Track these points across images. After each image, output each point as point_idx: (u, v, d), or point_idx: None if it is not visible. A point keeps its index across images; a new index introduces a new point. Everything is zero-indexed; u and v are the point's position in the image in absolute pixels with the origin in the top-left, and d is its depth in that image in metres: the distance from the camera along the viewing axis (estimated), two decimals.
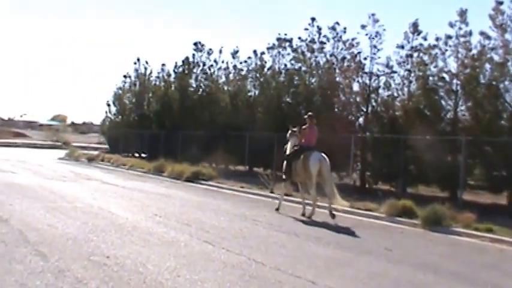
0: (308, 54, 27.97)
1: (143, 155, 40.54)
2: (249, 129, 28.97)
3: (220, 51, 36.27)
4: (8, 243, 9.16)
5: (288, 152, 16.91)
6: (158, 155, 31.63)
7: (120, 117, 46.68)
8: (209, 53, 37.03)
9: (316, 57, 27.67)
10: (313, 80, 27.94)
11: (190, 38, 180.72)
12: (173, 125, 36.19)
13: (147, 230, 11.34)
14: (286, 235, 12.05)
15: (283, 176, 17.27)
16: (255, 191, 20.75)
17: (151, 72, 44.43)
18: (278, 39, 30.12)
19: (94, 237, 10.10)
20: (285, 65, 29.90)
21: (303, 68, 28.40)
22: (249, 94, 32.75)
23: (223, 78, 35.80)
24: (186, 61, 38.19)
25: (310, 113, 17.24)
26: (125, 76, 45.90)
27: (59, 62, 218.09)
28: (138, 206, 15.49)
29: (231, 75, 34.86)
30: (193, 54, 37.65)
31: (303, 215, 15.88)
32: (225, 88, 35.08)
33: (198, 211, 15.33)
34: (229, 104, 32.83)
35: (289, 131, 17.25)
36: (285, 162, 16.90)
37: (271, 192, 19.94)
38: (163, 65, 42.15)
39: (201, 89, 37.25)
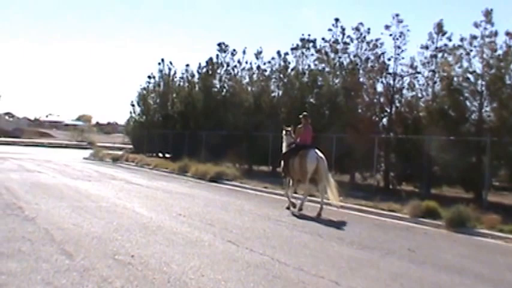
0: (332, 55, 27.92)
1: (167, 155, 40.63)
2: (272, 129, 28.92)
3: (244, 52, 36.37)
4: (34, 241, 9.23)
5: (284, 150, 17.65)
6: (182, 155, 31.67)
7: (144, 117, 46.77)
8: (233, 54, 37.10)
9: (339, 57, 27.60)
10: (336, 81, 27.88)
11: (213, 39, 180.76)
12: (197, 125, 36.30)
13: (171, 230, 11.38)
14: (309, 235, 12.03)
15: (282, 174, 18.01)
16: (278, 192, 20.69)
17: (175, 73, 44.59)
18: (302, 39, 30.10)
19: (119, 237, 10.15)
20: (309, 66, 29.88)
21: (327, 69, 28.35)
22: (273, 95, 32.71)
23: (247, 79, 35.80)
24: (209, 62, 38.27)
25: (305, 113, 17.77)
26: (149, 77, 46.08)
27: (84, 62, 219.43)
28: (162, 205, 15.53)
29: (254, 76, 34.81)
30: (217, 55, 37.78)
31: (287, 208, 16.70)
32: (249, 89, 35.05)
33: (221, 211, 15.35)
34: (252, 105, 32.80)
35: (284, 131, 17.94)
36: (282, 160, 17.63)
37: (295, 192, 19.86)
38: (187, 65, 42.39)
39: (224, 90, 37.34)
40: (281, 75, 31.96)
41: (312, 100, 29.18)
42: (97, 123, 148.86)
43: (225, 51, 37.39)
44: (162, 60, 45.14)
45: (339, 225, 14.15)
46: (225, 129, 32.66)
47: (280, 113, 30.31)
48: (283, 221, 14.00)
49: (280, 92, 31.97)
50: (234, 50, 37.10)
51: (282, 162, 17.64)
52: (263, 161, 31.20)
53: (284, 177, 17.95)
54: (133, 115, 48.08)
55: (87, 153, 42.56)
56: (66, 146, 64.54)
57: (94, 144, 58.90)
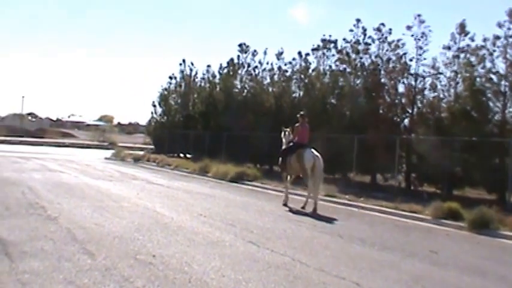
0: (353, 56, 27.80)
1: (188, 155, 40.68)
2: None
3: (265, 53, 36.41)
4: (56, 241, 9.28)
5: (283, 148, 18.44)
6: (203, 156, 31.71)
7: (165, 117, 46.86)
8: (254, 54, 37.15)
9: (361, 58, 27.49)
10: (358, 82, 27.77)
11: (234, 40, 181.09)
12: (218, 126, 36.29)
13: (192, 230, 11.39)
14: (330, 236, 11.99)
15: (280, 170, 19.30)
16: (298, 192, 20.61)
17: (196, 74, 44.68)
18: (323, 40, 30.03)
19: (140, 236, 10.18)
20: (330, 66, 29.79)
21: (348, 70, 28.23)
22: (294, 95, 32.67)
23: (268, 80, 35.76)
24: (230, 62, 38.32)
25: (302, 112, 18.36)
26: (170, 77, 46.14)
27: (106, 63, 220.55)
28: (183, 205, 15.55)
29: (275, 77, 34.79)
30: (238, 56, 37.82)
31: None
32: (270, 89, 35.03)
33: (242, 211, 15.34)
34: (273, 105, 32.79)
35: (282, 132, 18.94)
36: (280, 157, 18.41)
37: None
38: (208, 66, 42.48)
39: (245, 90, 37.35)
40: (302, 76, 31.93)
41: (333, 101, 29.11)
42: (118, 123, 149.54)
43: (246, 52, 37.43)
44: (184, 60, 45.32)
45: (359, 226, 14.11)
46: (246, 129, 32.62)
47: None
48: (304, 222, 13.98)
49: (301, 93, 31.90)
50: (255, 51, 37.22)
51: (280, 159, 18.39)
52: None
53: (281, 172, 19.13)
54: (154, 115, 48.22)
55: (108, 153, 42.74)
56: (88, 146, 64.83)
57: (115, 145, 59.16)
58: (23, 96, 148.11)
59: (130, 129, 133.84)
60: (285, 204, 17.50)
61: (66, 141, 73.80)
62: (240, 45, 37.59)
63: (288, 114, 30.54)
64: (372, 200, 18.21)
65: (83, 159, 36.86)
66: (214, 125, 37.24)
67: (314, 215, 15.63)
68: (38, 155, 37.32)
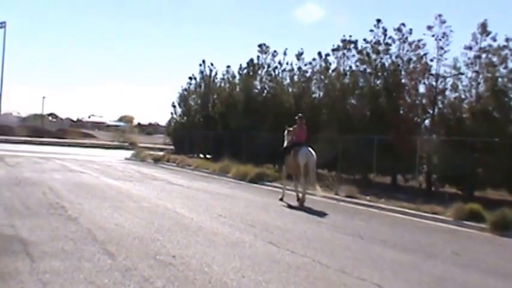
0: (373, 56, 27.67)
1: (208, 155, 40.72)
2: (313, 131, 28.81)
3: (285, 53, 36.33)
4: (77, 241, 9.33)
5: (284, 146, 19.62)
6: (223, 156, 31.68)
7: (185, 118, 46.95)
8: (274, 55, 37.11)
9: (381, 58, 27.35)
10: (378, 82, 27.64)
11: (254, 41, 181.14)
12: (238, 126, 36.25)
13: (212, 231, 11.39)
14: (350, 237, 11.95)
15: (279, 166, 20.95)
16: (318, 193, 20.63)
17: (216, 74, 44.66)
18: (343, 40, 29.90)
19: (160, 237, 10.20)
20: (350, 67, 29.63)
21: (368, 70, 28.10)
22: (314, 96, 32.59)
23: (288, 80, 35.71)
24: (250, 63, 38.31)
25: (300, 115, 19.89)
26: (190, 78, 46.23)
27: (126, 63, 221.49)
28: (203, 206, 15.57)
29: (295, 77, 34.73)
30: (258, 56, 37.82)
31: (298, 200, 18.20)
32: (290, 90, 34.96)
33: (262, 212, 15.35)
34: (293, 106, 32.64)
35: (286, 131, 19.84)
36: (282, 155, 19.74)
37: (336, 194, 19.81)
38: (228, 66, 42.41)
39: (265, 91, 37.32)
40: (322, 76, 31.84)
41: (353, 101, 29.00)
42: (138, 124, 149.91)
43: (265, 53, 37.43)
44: (203, 61, 45.35)
45: (380, 227, 14.05)
46: (266, 130, 32.55)
47: (321, 114, 30.17)
48: (324, 223, 13.96)
49: (321, 93, 31.81)
50: (275, 51, 37.17)
51: (281, 157, 19.77)
52: None
53: (280, 170, 20.88)
54: (174, 116, 48.35)
55: (128, 153, 42.90)
56: (108, 147, 65.06)
57: (135, 145, 59.34)
58: (43, 97, 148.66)
59: (150, 129, 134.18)
60: (281, 199, 18.51)
61: (87, 141, 74.23)
62: (259, 46, 37.65)
63: (308, 114, 30.48)
64: (392, 201, 18.12)
65: (103, 160, 37.04)
66: (234, 126, 37.18)
67: (301, 206, 17.36)
68: (58, 156, 37.53)
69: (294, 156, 18.46)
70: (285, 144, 19.57)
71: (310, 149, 18.36)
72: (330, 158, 26.79)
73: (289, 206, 17.24)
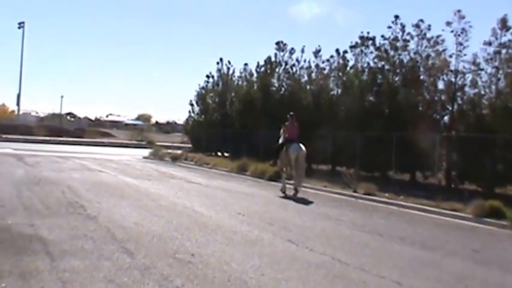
0: (391, 53, 27.57)
1: (226, 154, 40.78)
2: (331, 128, 28.79)
3: (303, 51, 36.10)
4: (96, 240, 9.38)
5: (279, 143, 21.21)
6: (241, 154, 31.73)
7: (203, 116, 47.03)
8: (291, 53, 37.00)
9: (399, 55, 27.22)
10: (396, 79, 27.53)
11: (271, 39, 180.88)
12: (255, 124, 36.22)
13: (230, 229, 11.42)
14: (369, 235, 11.93)
15: (274, 162, 22.55)
16: (337, 191, 20.62)
17: (233, 72, 44.67)
18: (361, 37, 29.80)
19: (179, 235, 10.24)
20: (368, 64, 29.48)
21: (386, 67, 27.99)
22: (332, 93, 32.49)
23: (306, 78, 35.59)
24: (268, 61, 38.22)
25: (291, 113, 21.21)
26: (207, 76, 46.27)
27: (143, 62, 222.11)
28: (221, 204, 15.61)
29: (313, 75, 34.63)
30: (276, 54, 37.70)
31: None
32: (307, 87, 34.89)
33: (280, 210, 15.36)
34: (311, 103, 32.60)
35: (282, 127, 21.29)
36: (276, 150, 21.39)
37: (355, 191, 19.79)
38: (245, 64, 42.31)
39: (283, 88, 37.22)
40: (340, 74, 31.75)
41: (371, 98, 28.91)
42: (156, 122, 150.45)
43: (283, 50, 37.35)
44: (221, 59, 45.37)
45: (399, 224, 14.02)
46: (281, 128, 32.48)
47: (339, 111, 30.11)
48: (343, 220, 13.93)
49: (339, 91, 31.71)
50: (293, 49, 37.02)
51: (276, 153, 21.38)
52: (322, 160, 31.09)
53: (275, 164, 22.65)
54: (192, 114, 48.41)
55: (146, 152, 42.95)
56: (126, 146, 65.21)
57: (153, 144, 59.44)
58: (62, 96, 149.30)
59: (168, 128, 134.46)
60: (284, 192, 19.93)
61: (105, 140, 74.42)
62: (277, 44, 37.52)
63: (326, 112, 30.44)
64: (411, 198, 18.06)
65: (122, 159, 37.13)
66: (252, 124, 37.15)
67: (295, 197, 18.83)
68: (77, 155, 37.69)
69: (286, 151, 20.25)
70: (280, 141, 21.11)
71: (300, 145, 20.00)
72: (348, 155, 26.80)
73: (304, 202, 17.24)
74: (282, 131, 21.24)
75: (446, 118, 25.29)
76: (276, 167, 22.89)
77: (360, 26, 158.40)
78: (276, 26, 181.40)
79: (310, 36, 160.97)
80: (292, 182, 20.09)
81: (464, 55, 23.83)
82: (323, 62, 33.41)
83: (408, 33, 26.75)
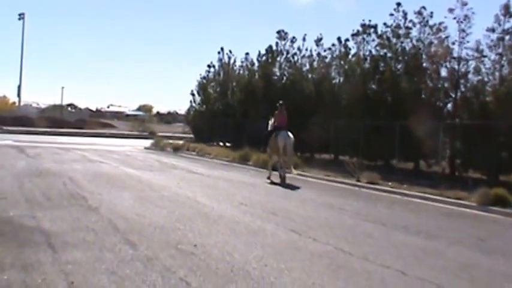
0: (394, 40, 27.52)
1: (227, 144, 40.75)
2: (334, 117, 28.77)
3: (304, 39, 36.03)
4: (98, 231, 9.38)
5: (267, 130, 22.15)
6: (243, 144, 31.71)
7: (204, 106, 46.95)
8: (292, 41, 36.89)
9: (402, 42, 27.20)
10: (399, 66, 27.51)
11: (272, 28, 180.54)
12: (257, 114, 36.15)
13: (233, 219, 11.41)
14: (373, 224, 11.92)
15: (264, 149, 23.58)
16: (340, 180, 20.61)
17: (235, 62, 44.55)
18: (362, 25, 29.73)
19: (181, 226, 10.23)
20: (370, 52, 29.45)
21: (389, 54, 27.96)
22: (334, 81, 32.47)
23: (307, 66, 35.53)
24: (269, 49, 38.14)
25: (280, 102, 22.13)
26: (208, 66, 46.21)
27: (144, 52, 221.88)
28: (223, 195, 15.60)
29: (315, 63, 34.59)
30: (277, 43, 37.58)
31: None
32: (309, 76, 34.86)
33: (283, 200, 15.35)
34: (313, 92, 32.57)
35: (272, 116, 22.19)
36: (265, 138, 22.28)
37: (358, 180, 19.79)
38: (246, 53, 42.21)
39: (284, 77, 37.19)
40: (342, 62, 31.70)
41: (373, 86, 28.88)
42: (157, 113, 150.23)
43: (284, 39, 37.24)
44: (222, 48, 45.27)
45: (403, 213, 14.02)
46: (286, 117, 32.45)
47: (341, 100, 30.08)
48: (346, 210, 13.92)
49: (341, 79, 31.69)
50: (294, 38, 36.91)
51: (265, 140, 22.22)
52: (324, 149, 31.12)
53: (264, 151, 23.52)
54: (193, 104, 48.29)
55: (148, 143, 42.93)
56: (128, 136, 65.15)
57: (155, 134, 59.48)
58: (62, 87, 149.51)
59: (169, 118, 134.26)
60: (269, 178, 20.97)
61: (106, 131, 74.33)
62: (278, 32, 37.41)
63: (328, 100, 30.39)
64: (415, 187, 18.04)
65: (123, 150, 37.08)
66: (254, 113, 37.09)
67: (283, 183, 19.61)
68: (78, 146, 37.64)
69: (274, 139, 21.02)
70: (269, 128, 22.10)
71: (289, 133, 20.88)
72: (351, 144, 26.79)
73: (306, 191, 17.24)
74: (271, 119, 22.18)
75: (449, 106, 25.32)
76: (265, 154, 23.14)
77: (361, 13, 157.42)
78: (277, 15, 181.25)
79: (311, 24, 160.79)
80: (279, 168, 20.97)
81: (467, 42, 23.85)
82: (325, 51, 33.43)
83: (410, 21, 26.76)
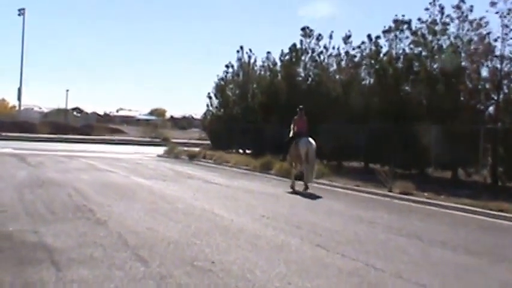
0: (429, 37, 27.40)
1: (248, 151, 40.74)
2: (363, 121, 28.69)
3: (331, 37, 35.85)
4: (106, 247, 9.41)
5: (288, 137, 22.26)
6: (264, 151, 31.66)
7: (222, 110, 46.92)
8: (318, 39, 36.76)
9: (438, 40, 27.03)
10: (435, 66, 27.37)
11: (296, 24, 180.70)
12: (280, 118, 36.11)
13: (254, 233, 11.41)
14: (407, 239, 11.87)
15: (284, 157, 24.08)
16: (371, 190, 20.55)
17: (255, 61, 44.48)
18: (395, 21, 29.62)
19: (197, 241, 10.24)
20: (403, 50, 29.33)
21: (424, 53, 27.84)
22: (363, 83, 32.39)
23: (335, 66, 35.42)
24: (293, 48, 38.04)
25: (300, 107, 22.23)
26: (227, 66, 46.11)
27: (156, 52, 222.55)
28: (243, 206, 15.62)
29: (342, 63, 34.47)
30: (301, 41, 37.46)
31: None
32: (337, 77, 34.75)
33: (309, 212, 15.34)
34: (341, 94, 32.49)
35: (293, 121, 22.23)
36: (286, 145, 22.39)
37: (390, 191, 19.72)
38: (268, 53, 41.98)
39: (310, 78, 37.09)
40: (372, 61, 31.59)
41: (407, 88, 28.78)
42: (171, 117, 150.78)
43: (309, 36, 37.14)
44: (241, 47, 45.15)
45: (440, 227, 13.94)
46: (311, 121, 32.35)
47: (372, 102, 29.99)
48: (378, 223, 13.87)
49: (372, 80, 31.60)
50: (320, 35, 36.75)
51: (286, 147, 22.39)
52: (353, 156, 31.04)
53: (284, 160, 24.13)
54: (210, 108, 48.30)
55: (161, 150, 43.08)
56: (139, 143, 65.38)
57: (168, 141, 59.62)
58: (67, 90, 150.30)
59: (184, 123, 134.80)
60: (292, 188, 20.99)
61: (115, 137, 74.67)
62: (303, 29, 37.32)
63: (357, 103, 30.29)
64: (453, 198, 17.94)
65: (133, 157, 37.28)
66: (276, 117, 37.05)
67: (305, 192, 20.17)
68: (84, 154, 37.83)
69: (295, 146, 21.34)
70: (290, 135, 22.08)
71: (310, 139, 21.14)
72: (382, 150, 26.68)
73: (334, 203, 17.20)
74: (292, 125, 22.14)
75: (491, 109, 25.10)
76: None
77: (394, 8, 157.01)
78: (301, 10, 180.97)
79: (338, 20, 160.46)
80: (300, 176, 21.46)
81: (511, 39, 23.64)
82: (353, 49, 33.25)
83: (448, 16, 26.57)
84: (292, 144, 21.61)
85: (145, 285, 7.26)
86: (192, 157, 37.82)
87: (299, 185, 20.80)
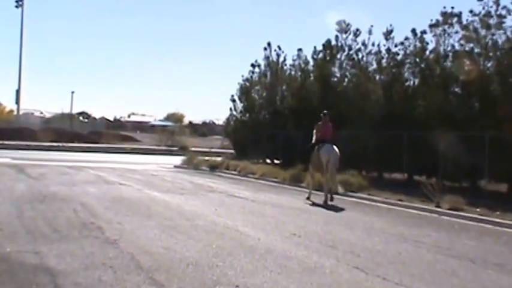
0: (482, 32, 27.27)
1: (276, 161, 40.75)
2: (407, 128, 28.58)
3: (370, 32, 35.78)
4: (117, 269, 9.44)
5: (310, 144, 23.17)
6: (295, 161, 31.61)
7: (247, 115, 46.87)
8: (356, 35, 36.70)
9: (493, 35, 26.91)
10: (489, 65, 27.24)
11: (330, 18, 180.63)
12: (312, 124, 36.06)
13: (283, 254, 11.42)
14: (457, 260, 11.82)
15: (306, 167, 25.01)
16: (416, 205, 20.51)
17: (285, 60, 44.38)
18: (443, 13, 29.52)
19: (219, 262, 10.27)
20: (453, 46, 29.24)
21: (476, 50, 27.72)
22: (407, 84, 32.27)
23: (374, 65, 35.32)
24: (327, 45, 37.99)
25: (325, 111, 23.23)
26: (253, 65, 46.02)
27: (174, 51, 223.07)
28: (271, 223, 15.64)
29: (383, 61, 34.40)
30: (336, 36, 37.45)
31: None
32: (377, 77, 34.71)
33: (345, 230, 15.33)
34: (382, 97, 32.39)
35: (316, 126, 23.25)
36: (307, 152, 23.33)
37: (437, 206, 19.65)
38: (299, 50, 41.97)
39: (346, 79, 37.07)
40: (417, 60, 31.47)
41: (457, 90, 28.66)
42: (190, 123, 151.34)
43: (346, 32, 37.07)
44: (269, 44, 45.06)
45: (495, 247, 13.86)
46: (348, 128, 32.29)
47: (416, 106, 29.87)
48: (424, 242, 13.82)
49: (416, 81, 31.49)
50: (358, 30, 36.73)
51: (308, 155, 23.31)
52: (396, 167, 30.91)
53: (306, 169, 25.11)
54: (234, 113, 48.21)
55: (178, 160, 43.24)
56: (153, 152, 65.66)
57: (187, 149, 59.79)
58: (72, 92, 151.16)
59: (204, 130, 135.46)
60: (308, 198, 22.35)
61: (127, 146, 74.93)
62: (338, 24, 37.33)
63: (399, 107, 30.19)
64: (510, 214, 17.84)
65: (147, 168, 37.43)
66: (308, 123, 36.93)
67: (326, 205, 20.78)
68: (91, 164, 38.04)
69: (317, 153, 22.19)
70: (313, 141, 23.08)
71: (333, 146, 21.85)
72: (428, 161, 26.56)
73: (375, 220, 17.16)
74: (314, 130, 23.26)
75: None
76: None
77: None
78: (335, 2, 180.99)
79: (378, 13, 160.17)
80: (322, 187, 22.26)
81: None
82: (396, 46, 33.11)
83: (504, 7, 26.42)
84: (313, 152, 22.51)
85: None
86: (213, 168, 37.90)
87: (315, 197, 21.95)
